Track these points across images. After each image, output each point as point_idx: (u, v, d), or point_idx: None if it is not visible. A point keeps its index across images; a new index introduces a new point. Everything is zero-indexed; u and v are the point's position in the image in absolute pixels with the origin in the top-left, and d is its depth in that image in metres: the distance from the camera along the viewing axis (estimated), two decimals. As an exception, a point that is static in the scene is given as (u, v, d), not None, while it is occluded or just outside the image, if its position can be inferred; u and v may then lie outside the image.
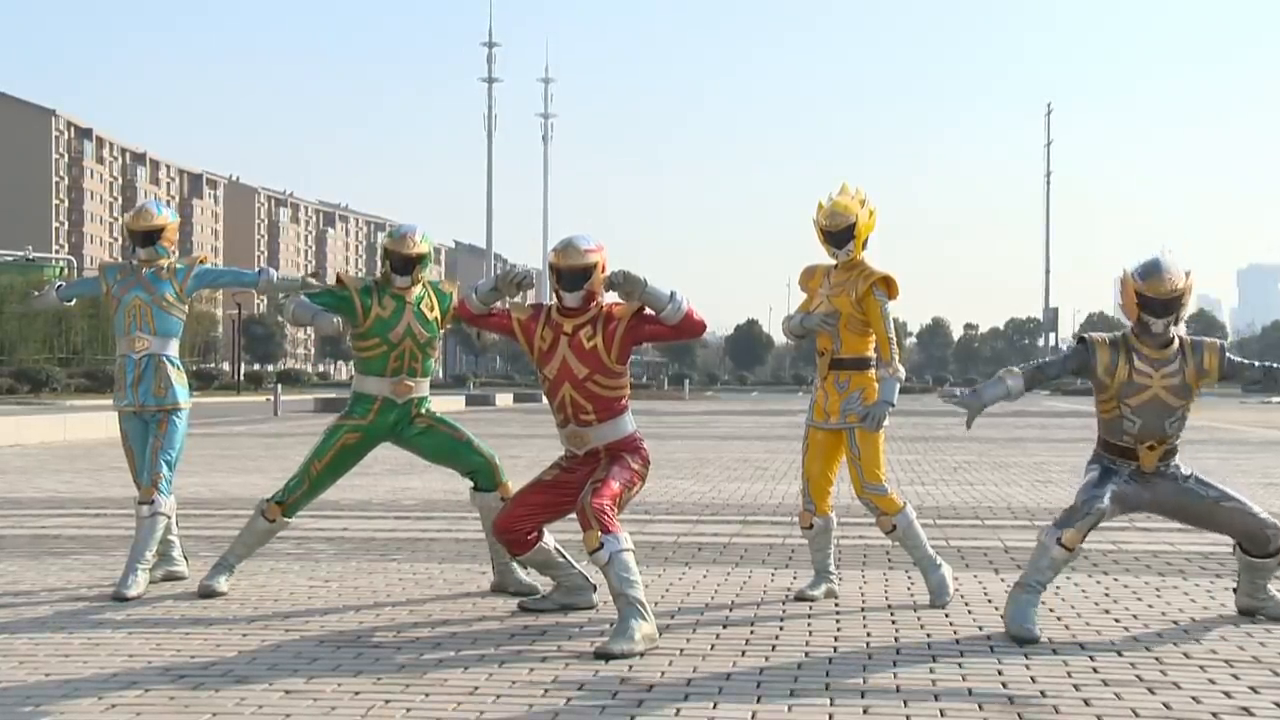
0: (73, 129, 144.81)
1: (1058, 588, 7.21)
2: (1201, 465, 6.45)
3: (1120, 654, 5.61)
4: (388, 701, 4.80)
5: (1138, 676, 5.21)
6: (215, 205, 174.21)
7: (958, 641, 5.87)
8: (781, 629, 6.13)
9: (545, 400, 6.39)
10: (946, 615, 6.47)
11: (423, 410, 7.00)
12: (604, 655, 5.45)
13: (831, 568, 6.99)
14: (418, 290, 6.98)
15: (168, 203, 8.22)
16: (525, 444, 21.44)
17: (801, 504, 6.93)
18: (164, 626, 6.14)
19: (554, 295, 6.24)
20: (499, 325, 6.41)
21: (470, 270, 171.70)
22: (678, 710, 4.69)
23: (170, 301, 7.32)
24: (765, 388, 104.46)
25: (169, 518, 7.17)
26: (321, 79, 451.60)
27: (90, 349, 64.10)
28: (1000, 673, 5.26)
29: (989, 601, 6.80)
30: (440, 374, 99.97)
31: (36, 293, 7.81)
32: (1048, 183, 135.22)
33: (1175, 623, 6.32)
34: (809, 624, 6.25)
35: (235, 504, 11.52)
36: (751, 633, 6.03)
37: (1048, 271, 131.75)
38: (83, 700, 4.80)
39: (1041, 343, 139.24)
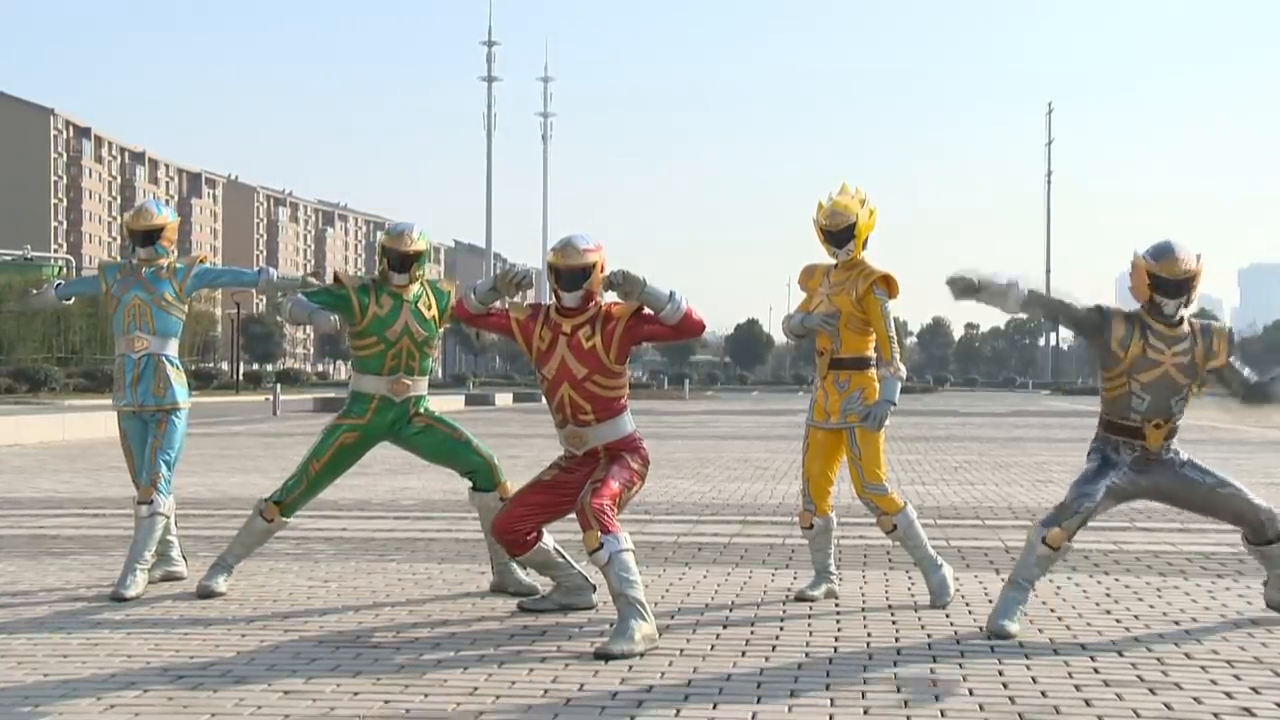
0: (71, 128, 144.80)
1: (1058, 588, 7.21)
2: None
3: (1121, 654, 5.60)
4: (387, 702, 4.79)
5: (1139, 677, 5.21)
6: (214, 204, 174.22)
7: (958, 641, 5.86)
8: (782, 629, 6.12)
9: (544, 400, 6.38)
10: (947, 615, 6.46)
11: (421, 409, 6.99)
12: (604, 656, 5.44)
13: (832, 568, 6.98)
14: (415, 289, 6.97)
15: (167, 202, 8.21)
16: (524, 444, 21.43)
17: (801, 504, 6.92)
18: (163, 627, 6.13)
19: (553, 295, 6.22)
20: (497, 325, 6.39)
21: (469, 269, 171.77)
22: (677, 711, 4.68)
23: (169, 301, 7.31)
24: (766, 387, 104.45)
25: (168, 518, 7.15)
26: (321, 78, 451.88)
27: (89, 349, 64.04)
28: (1001, 673, 5.25)
29: (990, 602, 6.78)
30: (440, 374, 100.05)
31: (34, 291, 7.79)
32: (1048, 182, 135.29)
33: (1176, 623, 6.31)
34: (809, 624, 6.24)
35: (234, 504, 11.50)
36: (751, 633, 6.02)
37: (1048, 271, 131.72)
38: (81, 700, 4.79)
39: (1042, 342, 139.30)
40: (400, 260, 6.90)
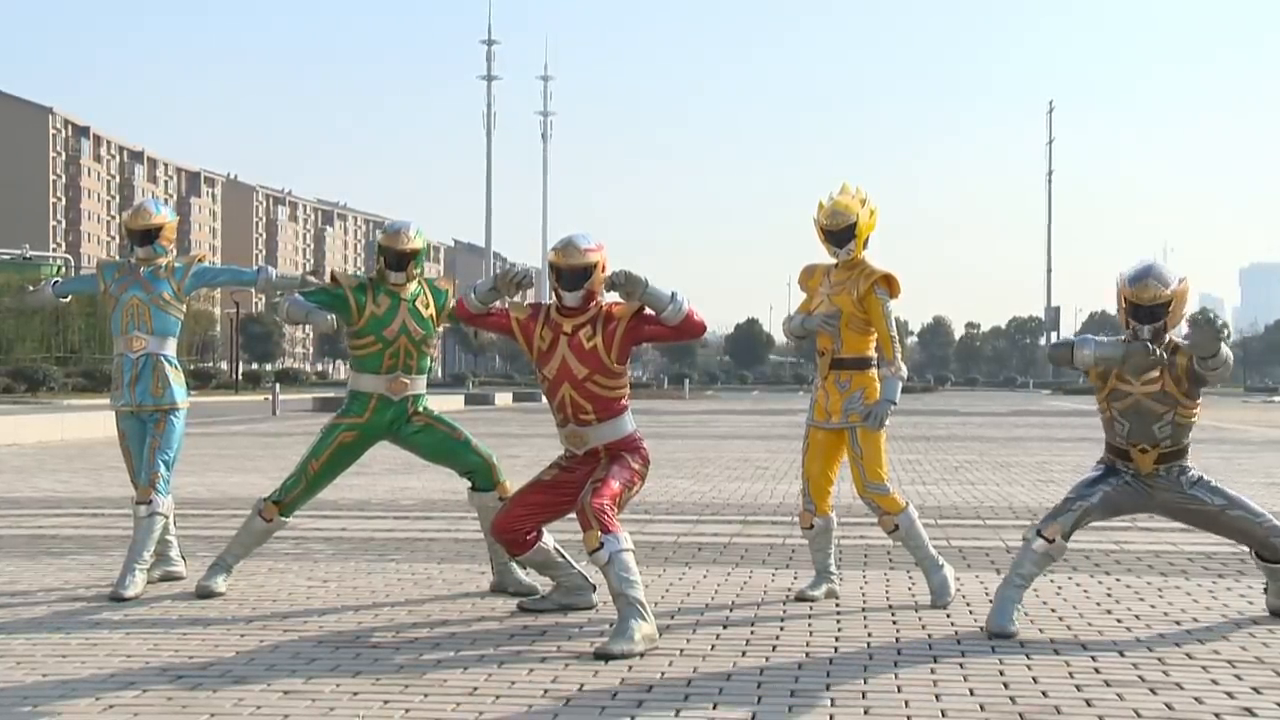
0: (70, 127, 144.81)
1: (1059, 588, 7.20)
2: (1203, 465, 6.42)
3: (1122, 654, 5.59)
4: (386, 702, 4.78)
5: (1140, 677, 5.19)
6: (213, 204, 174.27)
7: (959, 642, 5.85)
8: (782, 629, 6.11)
9: (544, 400, 6.37)
10: (948, 615, 6.45)
11: (420, 409, 6.98)
12: (604, 656, 5.43)
13: (832, 568, 6.97)
14: (413, 287, 6.96)
15: (166, 201, 8.18)
16: (524, 443, 21.42)
17: (801, 504, 6.90)
18: (162, 627, 6.12)
19: (553, 294, 6.21)
20: (498, 325, 6.38)
21: (469, 269, 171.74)
22: (677, 711, 4.67)
23: (168, 300, 7.29)
24: (766, 387, 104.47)
25: (166, 518, 7.14)
26: (320, 77, 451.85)
27: (88, 348, 63.99)
28: (1002, 673, 5.24)
29: (991, 602, 6.77)
30: (439, 373, 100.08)
31: (31, 288, 7.76)
32: (1049, 181, 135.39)
33: (1178, 623, 6.30)
34: (809, 624, 6.23)
35: (233, 504, 11.49)
36: (752, 633, 6.01)
37: (1049, 270, 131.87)
38: (80, 700, 4.78)
39: (1043, 342, 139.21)
40: (397, 258, 6.89)
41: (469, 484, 7.07)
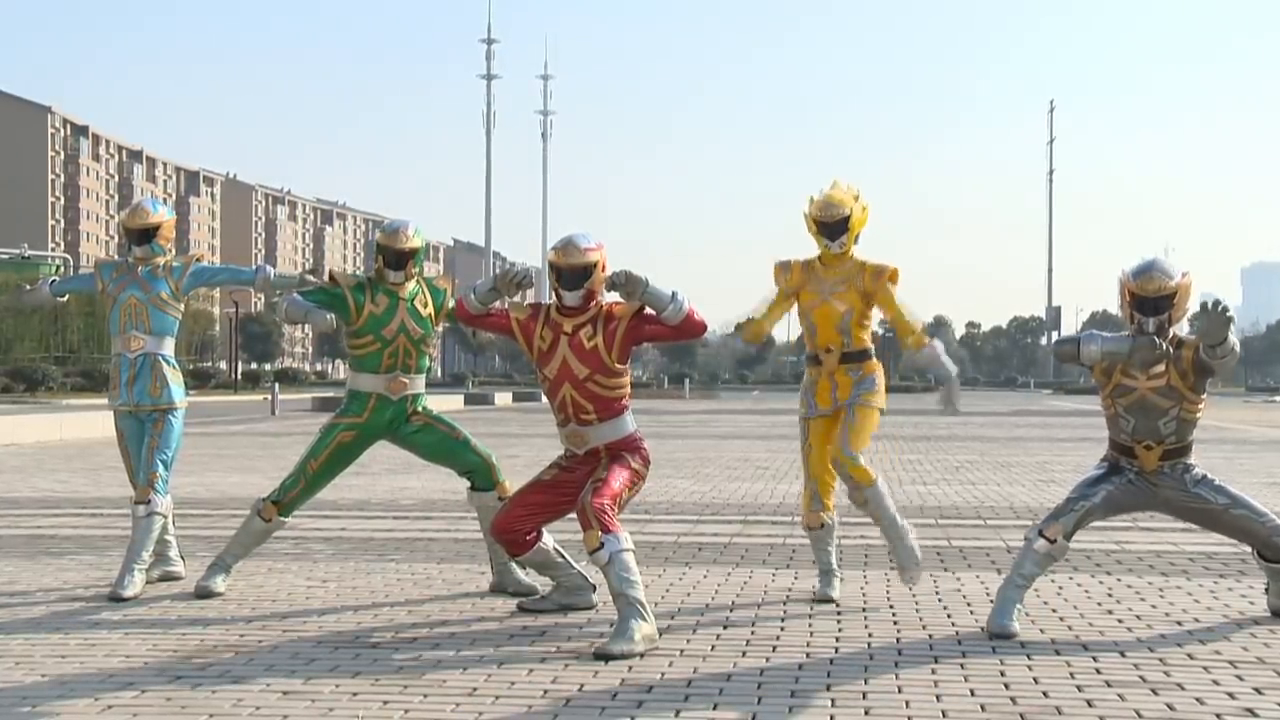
0: (69, 126, 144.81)
1: (1060, 588, 7.18)
2: (1205, 465, 6.41)
3: (1123, 655, 5.58)
4: (386, 703, 4.76)
5: (1141, 677, 5.18)
6: (212, 203, 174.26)
7: (960, 642, 5.84)
8: (782, 630, 6.09)
9: (545, 400, 6.36)
10: (949, 616, 6.44)
11: (419, 408, 6.97)
12: (604, 656, 5.42)
13: (834, 566, 6.94)
14: (411, 286, 6.95)
15: (164, 200, 8.18)
16: (524, 443, 21.41)
17: (807, 505, 6.85)
18: (161, 627, 6.11)
19: (553, 294, 6.20)
20: (498, 325, 6.37)
21: (469, 268, 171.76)
22: (678, 712, 4.65)
23: (166, 300, 7.28)
24: (766, 387, 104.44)
25: (165, 518, 7.13)
26: (319, 76, 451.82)
27: (87, 348, 64.02)
28: (1003, 674, 5.23)
29: (992, 602, 6.76)
30: (439, 373, 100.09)
31: (29, 287, 7.74)
32: (1050, 181, 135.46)
33: (1179, 623, 6.29)
34: (810, 625, 6.22)
35: (232, 504, 11.48)
36: (752, 633, 6.00)
37: (1050, 270, 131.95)
38: (79, 701, 4.77)
39: (1044, 341, 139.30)
40: (396, 257, 6.88)
41: (468, 484, 7.06)
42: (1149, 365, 5.95)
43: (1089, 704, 4.78)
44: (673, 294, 6.05)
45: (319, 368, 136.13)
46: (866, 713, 4.67)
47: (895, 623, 6.27)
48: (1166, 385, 6.00)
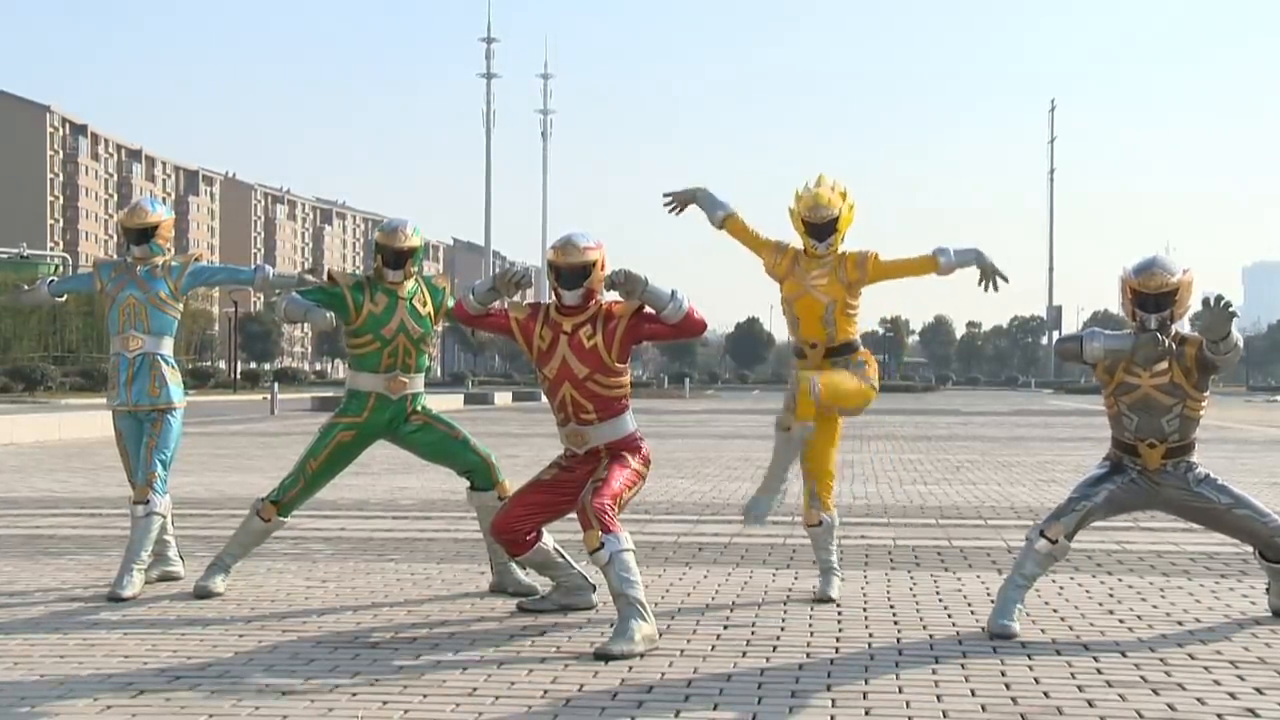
0: (68, 125, 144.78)
1: (1061, 588, 7.18)
2: (1207, 465, 6.40)
3: (1124, 655, 5.57)
4: (385, 703, 4.75)
5: (1142, 677, 5.18)
6: (211, 202, 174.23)
7: (960, 642, 5.83)
8: (783, 630, 6.09)
9: (545, 399, 6.35)
10: (949, 616, 6.44)
11: (419, 408, 6.96)
12: (604, 656, 5.41)
13: (835, 565, 6.93)
14: (410, 285, 6.94)
15: (163, 200, 8.17)
16: (524, 443, 21.40)
17: (806, 503, 6.83)
18: (160, 627, 6.10)
19: (553, 293, 6.19)
20: (497, 325, 6.36)
21: (468, 267, 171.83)
22: (678, 712, 4.65)
23: (164, 300, 7.27)
24: (766, 386, 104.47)
25: (164, 517, 7.11)
26: (318, 75, 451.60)
27: (85, 347, 63.94)
28: (1003, 674, 5.22)
29: (992, 602, 6.75)
30: (438, 372, 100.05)
31: (26, 286, 7.72)
32: (1051, 180, 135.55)
33: (1180, 623, 6.28)
34: (810, 625, 6.21)
35: (231, 503, 11.47)
36: (752, 633, 5.99)
37: (1051, 269, 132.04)
38: (78, 701, 4.76)
39: (1045, 341, 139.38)
40: (395, 256, 6.87)
41: (468, 484, 7.05)
42: (1152, 362, 5.95)
43: (1090, 704, 4.78)
44: (672, 292, 6.04)
45: (318, 367, 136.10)
46: (867, 713, 4.66)
47: (896, 623, 6.26)
48: (1170, 383, 5.99)
